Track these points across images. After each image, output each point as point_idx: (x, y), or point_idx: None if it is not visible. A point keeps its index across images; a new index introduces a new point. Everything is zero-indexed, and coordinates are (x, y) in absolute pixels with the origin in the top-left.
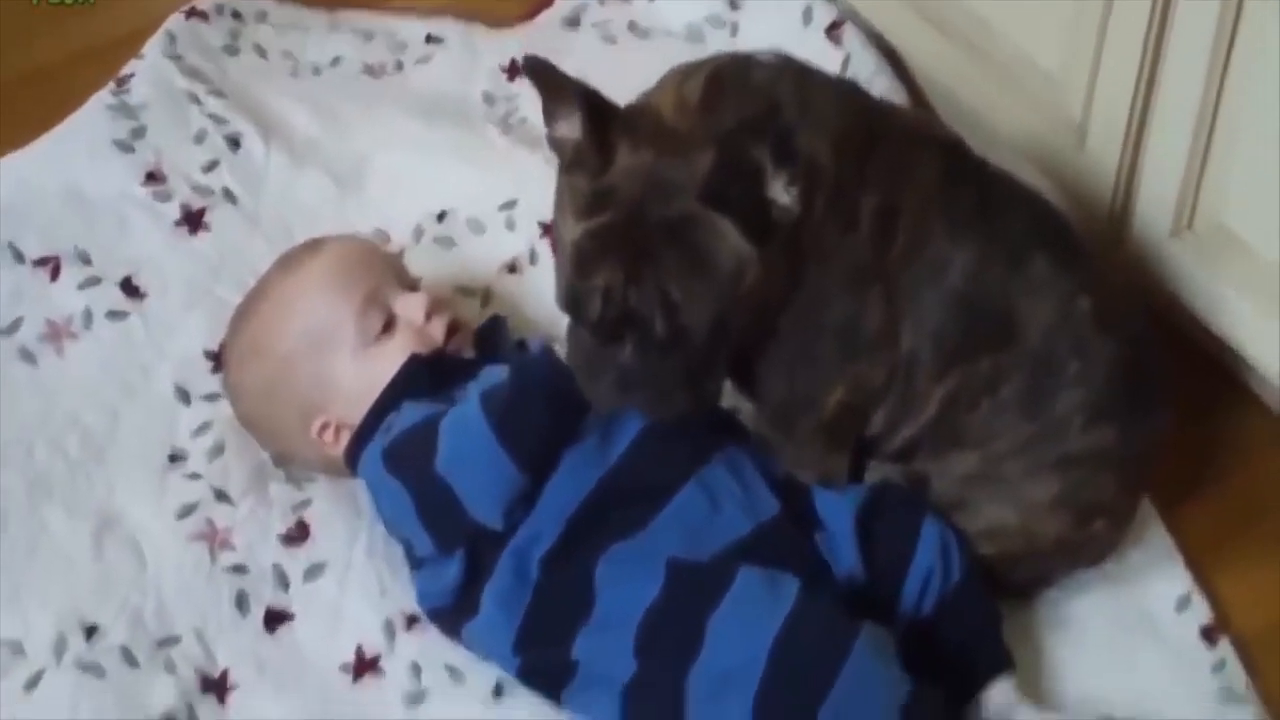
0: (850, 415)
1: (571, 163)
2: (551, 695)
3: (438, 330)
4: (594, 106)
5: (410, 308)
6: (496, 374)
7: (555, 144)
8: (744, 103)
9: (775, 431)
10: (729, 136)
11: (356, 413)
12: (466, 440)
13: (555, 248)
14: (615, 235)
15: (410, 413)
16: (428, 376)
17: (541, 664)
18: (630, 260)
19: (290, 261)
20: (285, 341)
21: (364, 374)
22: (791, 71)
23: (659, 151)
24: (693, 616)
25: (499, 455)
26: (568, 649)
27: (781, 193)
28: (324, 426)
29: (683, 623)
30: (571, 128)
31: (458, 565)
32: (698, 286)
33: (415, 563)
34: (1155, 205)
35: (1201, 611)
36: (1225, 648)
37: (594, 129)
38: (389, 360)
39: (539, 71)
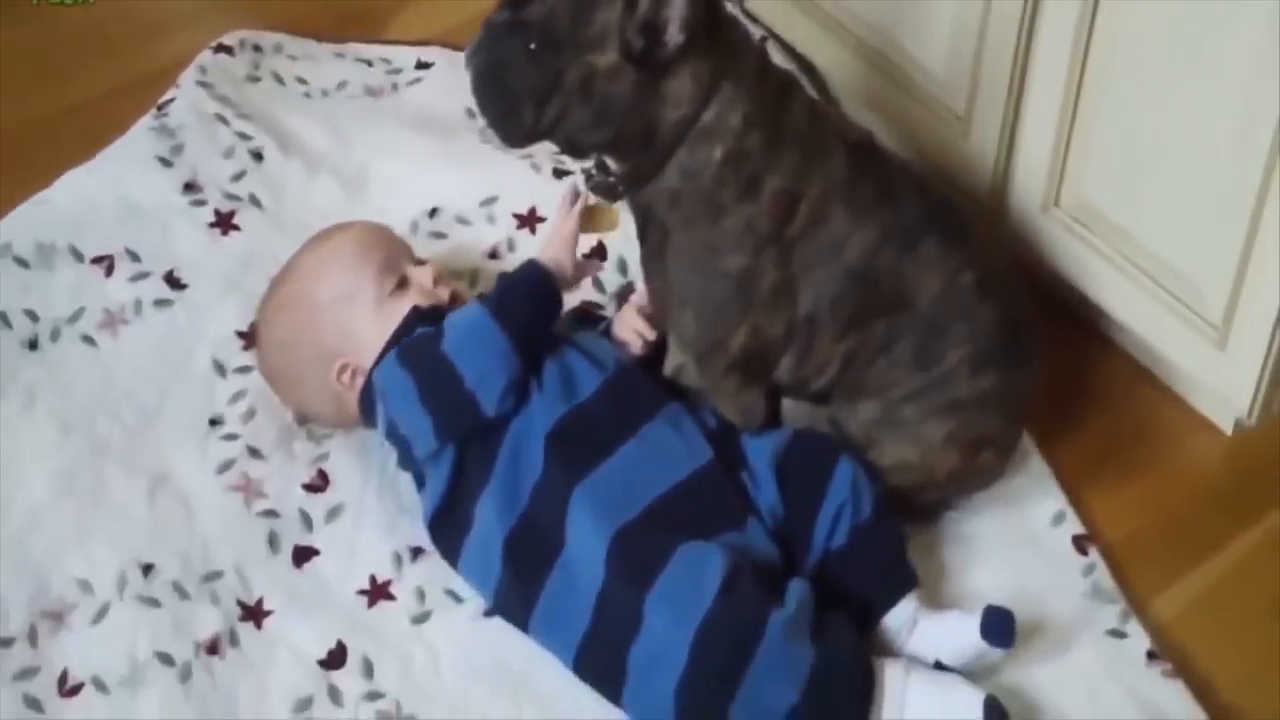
0: (756, 358)
1: None
2: (520, 624)
3: (444, 293)
4: None
5: (421, 274)
6: None
7: None
8: None
9: (698, 371)
10: None
11: (370, 357)
12: (467, 324)
13: None
14: None
15: None
16: (427, 324)
17: (516, 593)
18: None
19: (319, 238)
20: (315, 296)
21: (379, 324)
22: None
23: None
24: (633, 596)
25: (496, 333)
26: (541, 581)
27: (676, 31)
28: (343, 369)
29: (625, 603)
30: None
31: (448, 465)
32: (580, 16)
33: (419, 480)
34: (1028, 185)
35: (1073, 525)
36: (1094, 554)
37: None
38: (401, 314)
39: None
